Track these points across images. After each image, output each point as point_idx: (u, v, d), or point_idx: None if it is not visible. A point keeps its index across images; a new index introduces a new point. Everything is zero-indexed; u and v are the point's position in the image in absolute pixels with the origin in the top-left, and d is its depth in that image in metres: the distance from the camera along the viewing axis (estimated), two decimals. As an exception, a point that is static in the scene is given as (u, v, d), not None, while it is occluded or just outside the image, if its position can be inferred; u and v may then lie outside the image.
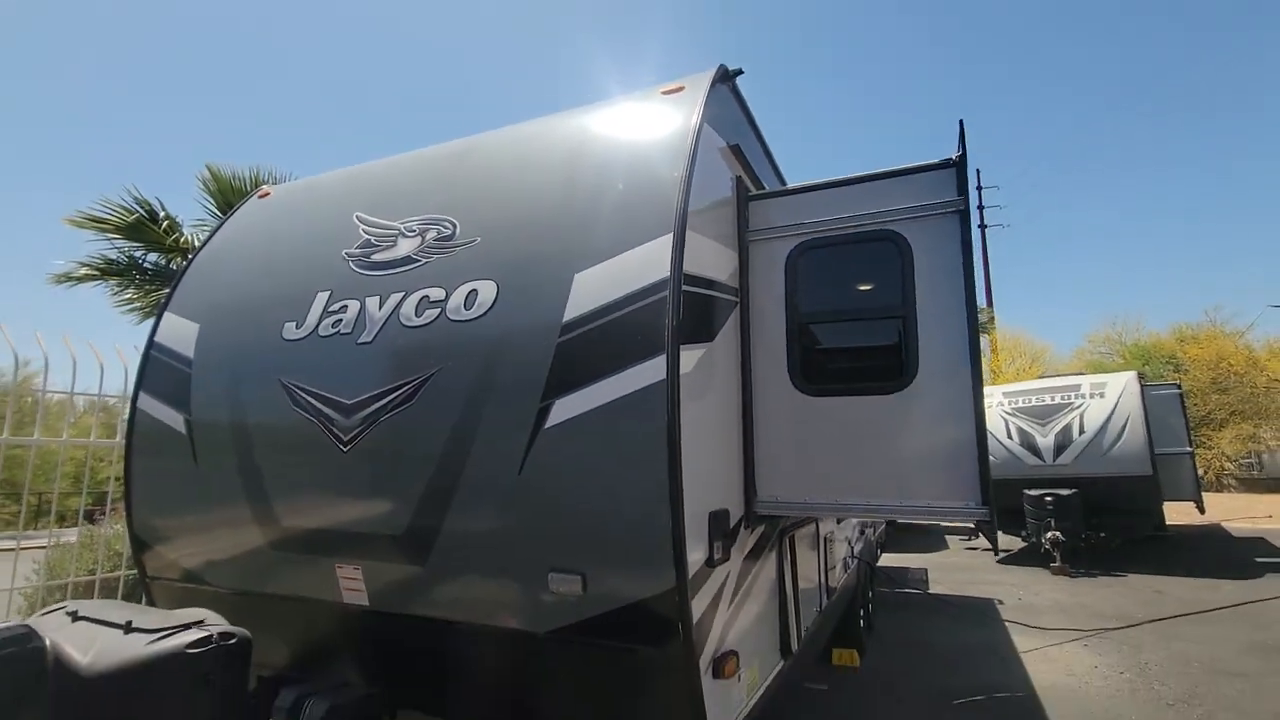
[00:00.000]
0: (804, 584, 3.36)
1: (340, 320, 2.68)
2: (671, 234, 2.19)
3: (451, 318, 2.43)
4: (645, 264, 2.18)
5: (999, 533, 11.02)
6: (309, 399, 2.62)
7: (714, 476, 2.34)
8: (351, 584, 2.55)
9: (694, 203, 2.34)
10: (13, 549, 4.93)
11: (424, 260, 2.63)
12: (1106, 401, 9.94)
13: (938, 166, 2.56)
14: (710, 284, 2.44)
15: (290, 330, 2.79)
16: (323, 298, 2.79)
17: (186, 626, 1.71)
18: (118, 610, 1.85)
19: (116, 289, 7.07)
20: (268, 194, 3.66)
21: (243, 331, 2.97)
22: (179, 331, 3.17)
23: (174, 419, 3.01)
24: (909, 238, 2.50)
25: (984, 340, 20.18)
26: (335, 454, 2.51)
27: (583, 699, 2.27)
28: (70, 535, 7.25)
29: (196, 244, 7.15)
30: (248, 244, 3.38)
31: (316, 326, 2.73)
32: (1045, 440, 10.03)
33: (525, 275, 2.40)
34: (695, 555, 2.07)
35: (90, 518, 7.38)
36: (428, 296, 2.52)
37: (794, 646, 3.05)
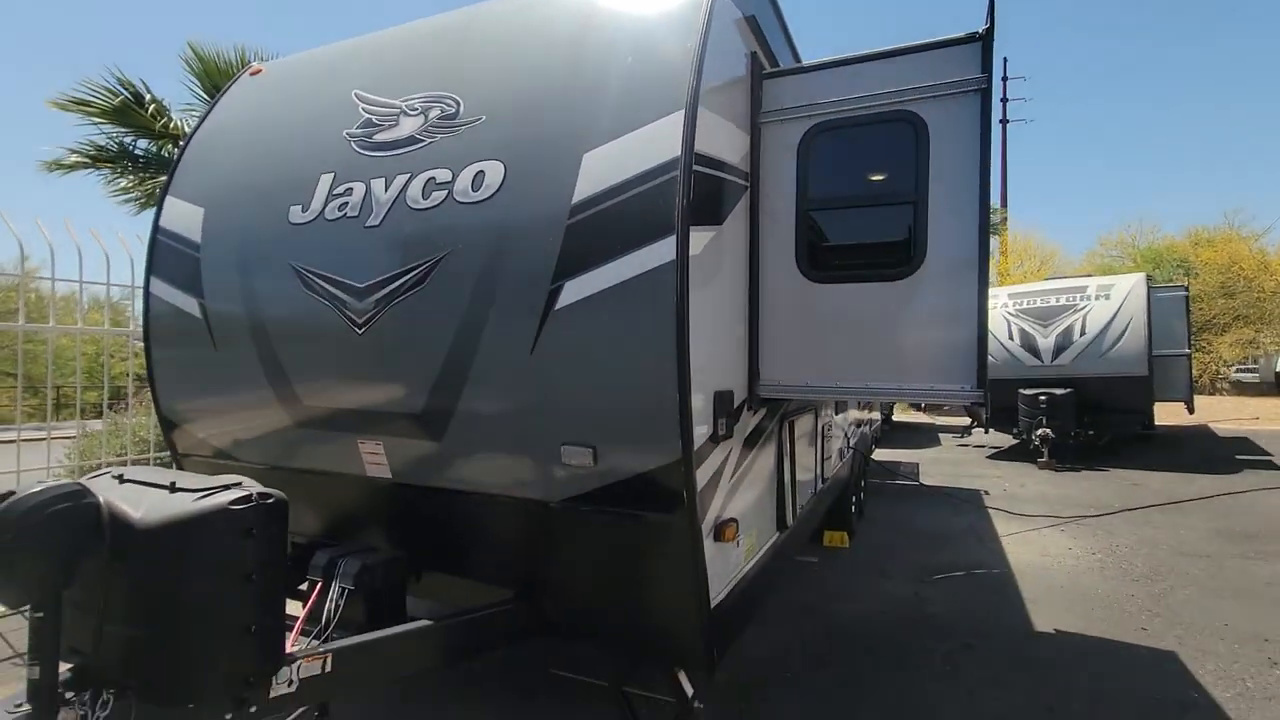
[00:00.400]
0: (801, 466, 3.54)
1: (346, 203, 2.65)
2: (683, 111, 2.13)
3: (459, 200, 2.41)
4: (656, 142, 2.13)
5: (991, 430, 11.43)
6: (321, 283, 2.65)
7: (719, 358, 2.41)
8: (374, 459, 2.70)
9: (707, 79, 2.25)
10: (34, 439, 5.15)
11: (428, 140, 2.57)
12: (1111, 303, 9.93)
13: (962, 41, 2.44)
14: (721, 165, 2.39)
15: (296, 214, 2.77)
16: (326, 180, 2.75)
17: (226, 487, 1.84)
18: (159, 474, 1.98)
19: (110, 177, 6.91)
20: (260, 71, 3.50)
21: (248, 215, 2.95)
22: (184, 216, 3.15)
23: (188, 303, 3.06)
24: (926, 118, 2.42)
25: (994, 242, 19.82)
26: (351, 336, 2.57)
27: (592, 559, 2.47)
28: (94, 425, 7.53)
29: (187, 129, 6.91)
30: (244, 125, 3.28)
31: (323, 210, 2.71)
32: (1046, 341, 10.12)
33: (533, 156, 2.35)
34: (700, 430, 2.17)
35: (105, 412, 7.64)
36: (434, 178, 2.49)
37: (789, 522, 3.26)
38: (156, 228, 3.24)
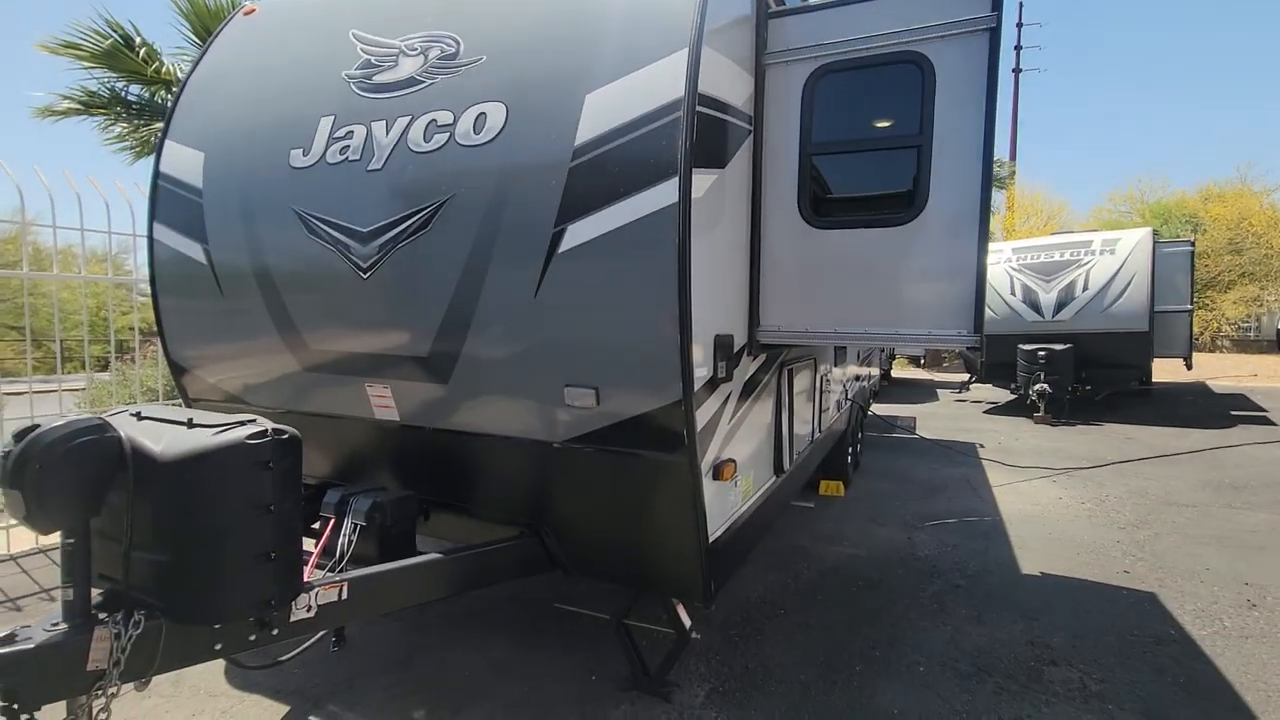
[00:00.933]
0: (798, 415, 3.61)
1: (348, 146, 2.64)
2: (687, 50, 2.11)
3: (461, 142, 2.41)
4: (659, 83, 2.11)
5: (988, 384, 11.52)
6: (325, 227, 2.66)
7: (720, 303, 2.44)
8: (382, 402, 2.76)
9: (711, 18, 2.21)
10: (44, 391, 5.24)
11: (428, 81, 2.54)
12: (1115, 258, 9.88)
13: (974, -22, 2.38)
14: (725, 108, 2.38)
15: (298, 158, 2.76)
16: (326, 123, 2.73)
17: (242, 423, 1.91)
18: (176, 412, 2.04)
19: (105, 124, 6.80)
20: (253, 10, 3.42)
21: (249, 160, 2.94)
22: (184, 160, 3.14)
23: (193, 249, 3.08)
24: (933, 58, 2.38)
25: (1000, 196, 19.53)
26: (356, 281, 2.60)
27: (596, 497, 2.56)
28: (101, 377, 7.61)
29: (179, 74, 6.76)
30: (241, 67, 3.23)
31: (324, 154, 2.70)
32: (1048, 297, 10.11)
33: (535, 97, 2.33)
34: (700, 373, 2.22)
35: (107, 366, 7.73)
36: (435, 120, 2.47)
37: (785, 466, 3.35)
38: (157, 173, 3.23)
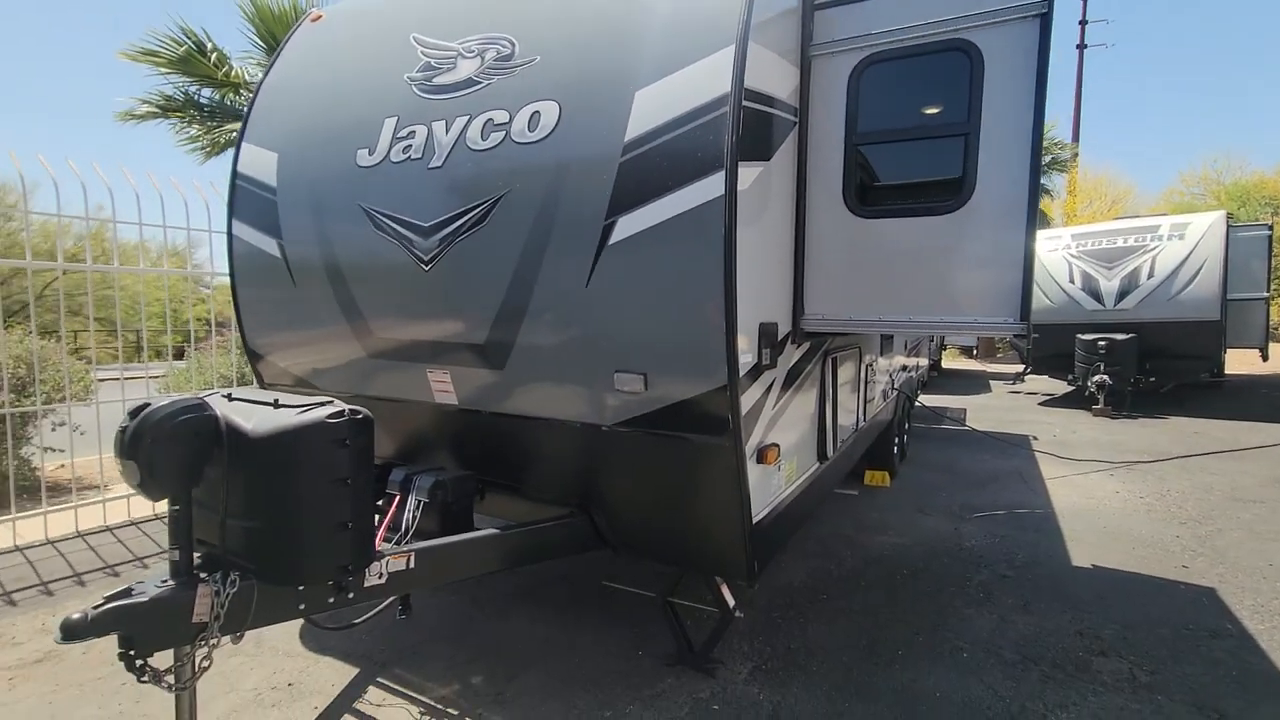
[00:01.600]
0: (842, 402, 3.65)
1: (410, 145, 2.80)
2: (734, 46, 2.17)
3: (516, 140, 2.53)
4: (706, 79, 2.19)
5: (1045, 376, 11.15)
6: (389, 222, 2.83)
7: (765, 291, 2.50)
8: (442, 387, 2.93)
9: (758, 12, 2.27)
10: (132, 378, 5.65)
11: (485, 82, 2.67)
12: (1185, 244, 9.41)
13: (1025, -38, 2.36)
14: (770, 101, 2.43)
15: (364, 157, 2.94)
16: (390, 124, 2.90)
17: (322, 404, 2.09)
18: (262, 394, 2.24)
19: (179, 126, 7.24)
20: (320, 17, 3.63)
21: (319, 159, 3.14)
22: (259, 160, 3.36)
23: (268, 244, 3.31)
24: (982, 47, 2.38)
25: (1061, 180, 18.70)
26: (418, 272, 2.76)
27: (643, 479, 2.67)
28: (179, 365, 8.11)
29: (246, 77, 7.14)
30: (310, 71, 3.44)
31: (388, 153, 2.86)
32: (1109, 284, 9.71)
33: (586, 95, 2.43)
34: (745, 359, 2.30)
35: (180, 355, 8.26)
36: (492, 119, 2.60)
37: (829, 453, 3.40)
38: (235, 173, 3.46)
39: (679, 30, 2.32)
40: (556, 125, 2.45)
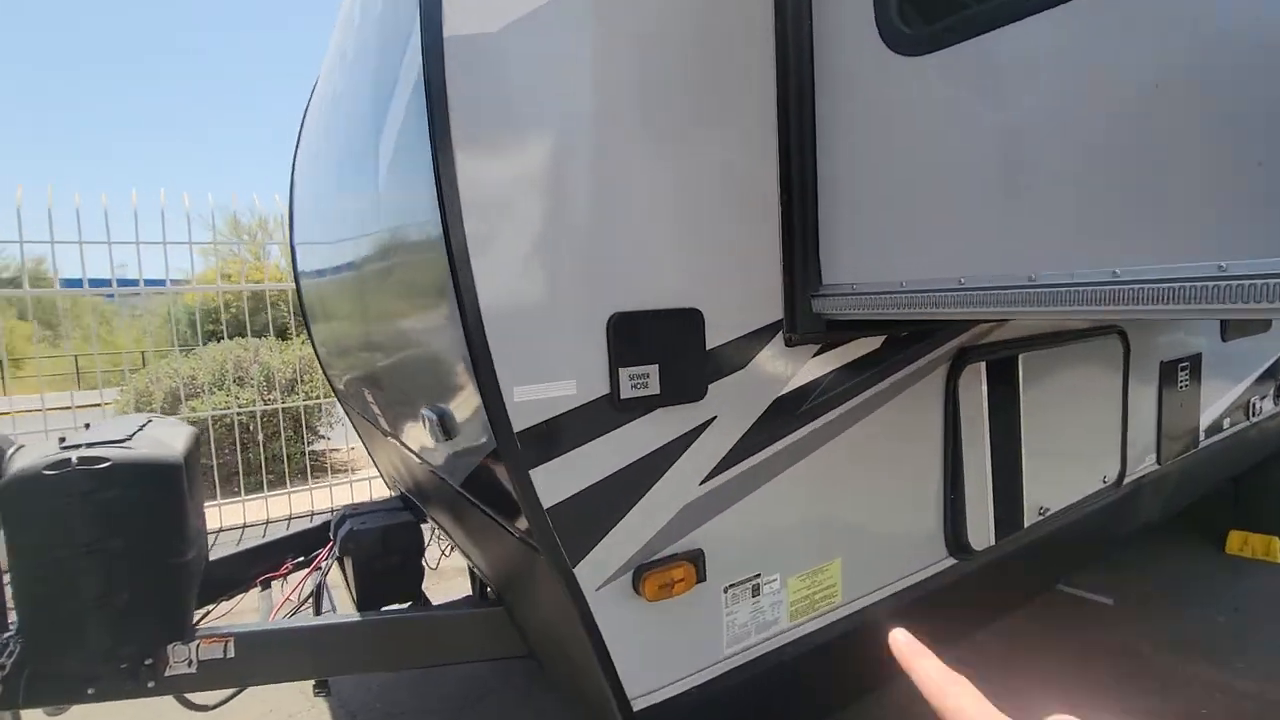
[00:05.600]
0: (1035, 438, 1.89)
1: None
2: None
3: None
4: None
5: None
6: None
7: (645, 242, 1.22)
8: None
9: None
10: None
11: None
12: None
13: None
14: None
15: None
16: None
17: (101, 443, 1.69)
18: (125, 425, 1.95)
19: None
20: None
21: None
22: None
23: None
24: None
25: None
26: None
27: (509, 574, 1.63)
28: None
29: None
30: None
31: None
32: None
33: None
34: (553, 391, 1.12)
35: None
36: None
37: (975, 540, 1.76)
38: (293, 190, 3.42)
39: None
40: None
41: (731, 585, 1.35)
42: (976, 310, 1.14)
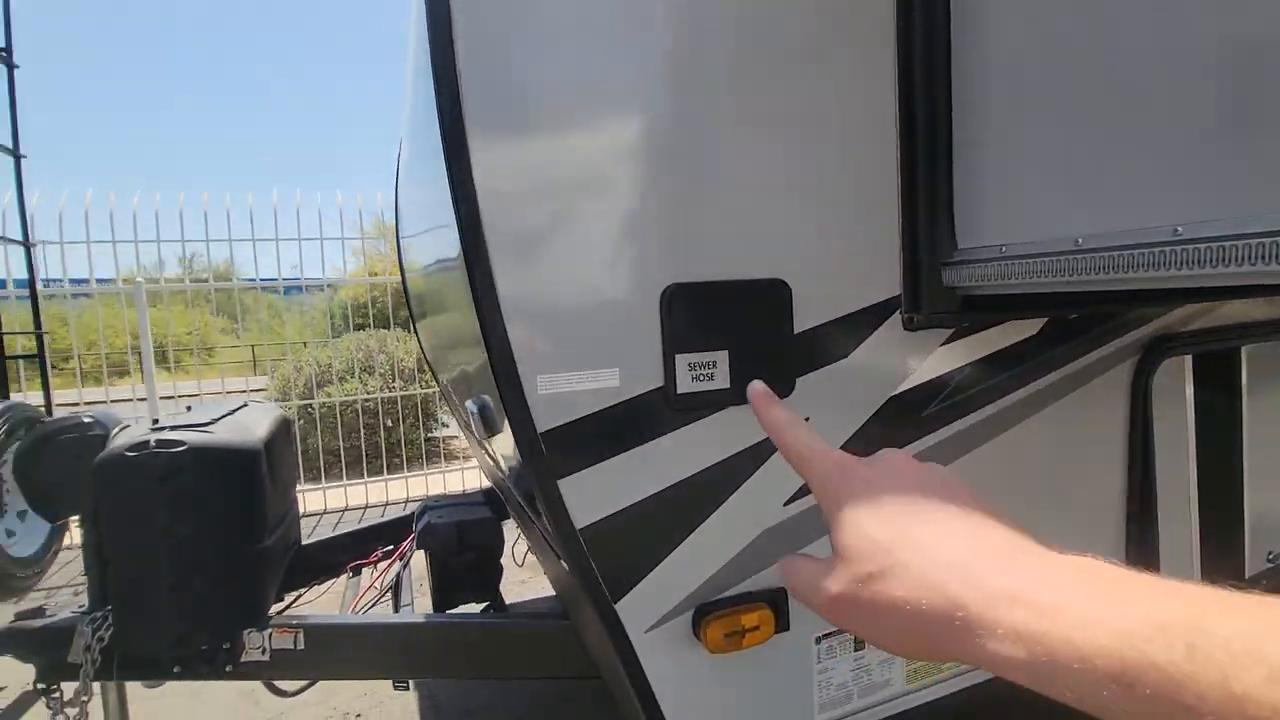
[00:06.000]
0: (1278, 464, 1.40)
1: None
2: None
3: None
4: None
5: None
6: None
7: (710, 207, 0.96)
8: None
9: None
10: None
11: None
12: None
13: None
14: None
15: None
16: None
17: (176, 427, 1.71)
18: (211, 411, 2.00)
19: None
20: None
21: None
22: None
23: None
24: None
25: None
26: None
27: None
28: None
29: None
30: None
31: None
32: None
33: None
34: (595, 380, 0.89)
35: None
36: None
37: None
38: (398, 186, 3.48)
39: None
40: None
41: (826, 635, 1.06)
42: (1203, 273, 0.76)
